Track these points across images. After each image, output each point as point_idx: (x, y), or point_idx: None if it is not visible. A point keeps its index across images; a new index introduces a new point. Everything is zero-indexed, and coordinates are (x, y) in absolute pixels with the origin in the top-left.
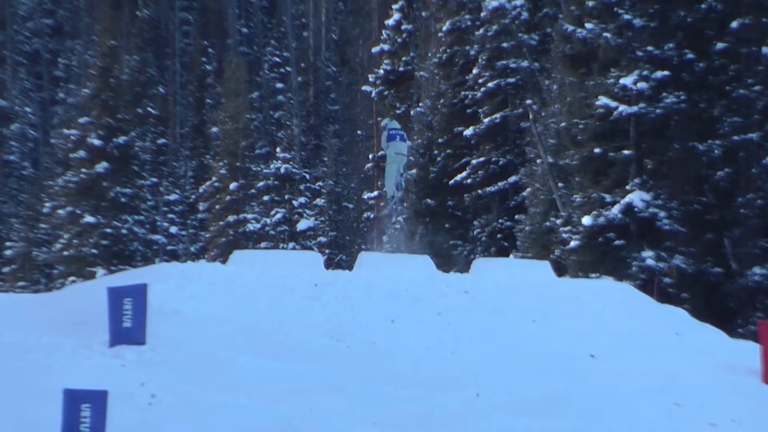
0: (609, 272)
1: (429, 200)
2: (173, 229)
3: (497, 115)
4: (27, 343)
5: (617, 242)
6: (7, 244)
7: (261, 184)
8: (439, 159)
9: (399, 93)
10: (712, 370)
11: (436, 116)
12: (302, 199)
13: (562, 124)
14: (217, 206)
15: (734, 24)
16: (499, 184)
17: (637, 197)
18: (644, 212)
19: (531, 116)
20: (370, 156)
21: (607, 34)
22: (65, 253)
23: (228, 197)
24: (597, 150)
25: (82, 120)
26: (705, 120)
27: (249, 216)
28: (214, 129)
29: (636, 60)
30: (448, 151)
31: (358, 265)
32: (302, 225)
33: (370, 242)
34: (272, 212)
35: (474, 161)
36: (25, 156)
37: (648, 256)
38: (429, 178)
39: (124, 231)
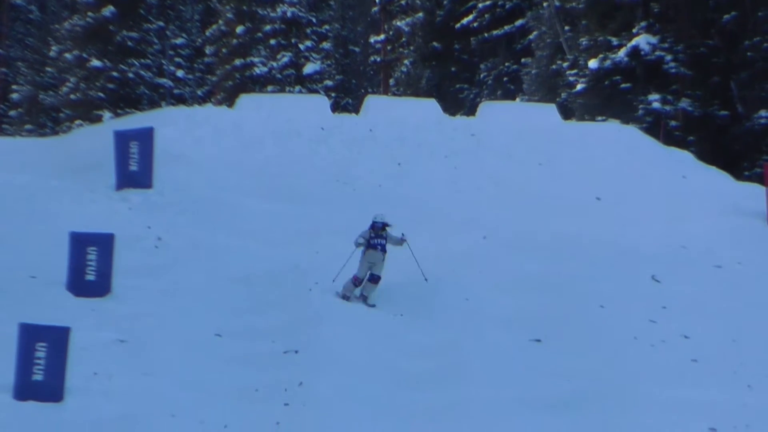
0: (615, 115)
1: (435, 44)
2: (180, 73)
3: None
4: (34, 187)
5: (623, 85)
6: (14, 87)
7: (267, 27)
8: (445, 2)
9: None
10: (718, 213)
11: None
12: (309, 43)
13: None
14: (224, 50)
15: None
16: (506, 27)
17: (643, 40)
18: (650, 55)
19: None
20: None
21: None
22: (72, 96)
23: (234, 41)
24: None
25: None
26: None
27: (255, 60)
28: None
29: None
30: None
31: (364, 108)
32: (309, 69)
33: (376, 86)
34: (279, 56)
35: (480, 5)
36: (31, 0)
37: (654, 99)
38: (435, 21)
39: (130, 75)
